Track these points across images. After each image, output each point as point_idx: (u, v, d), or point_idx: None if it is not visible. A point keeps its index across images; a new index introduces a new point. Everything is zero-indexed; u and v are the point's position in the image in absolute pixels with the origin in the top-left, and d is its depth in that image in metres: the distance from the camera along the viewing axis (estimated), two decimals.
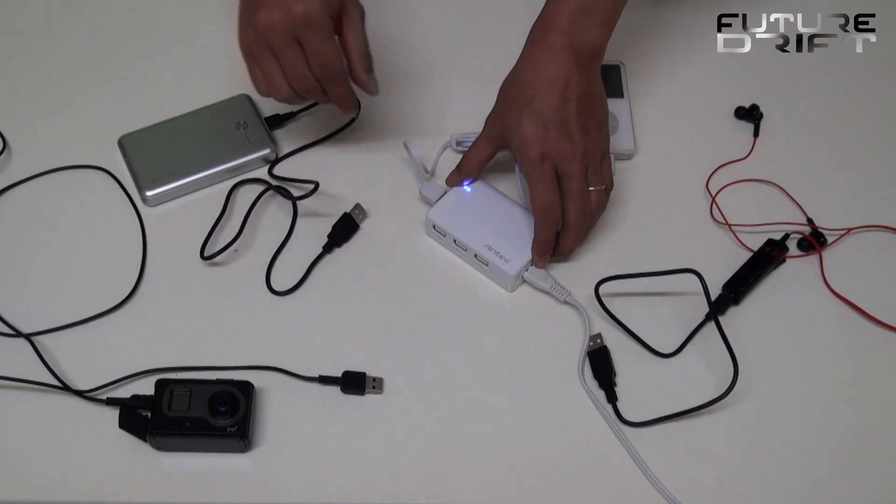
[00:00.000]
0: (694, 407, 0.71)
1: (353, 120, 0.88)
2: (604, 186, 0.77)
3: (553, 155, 0.74)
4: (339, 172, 0.85)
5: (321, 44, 0.72)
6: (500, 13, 0.96)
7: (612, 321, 0.76)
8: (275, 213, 0.83)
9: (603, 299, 0.77)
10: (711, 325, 0.75)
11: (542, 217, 0.75)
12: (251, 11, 0.72)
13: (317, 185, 0.80)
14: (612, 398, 0.73)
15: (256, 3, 0.71)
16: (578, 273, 0.78)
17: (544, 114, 0.74)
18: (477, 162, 0.80)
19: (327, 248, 0.80)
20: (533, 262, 0.78)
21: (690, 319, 0.77)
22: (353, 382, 0.73)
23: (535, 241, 0.77)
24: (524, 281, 0.79)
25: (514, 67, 0.78)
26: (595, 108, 0.77)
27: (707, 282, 0.75)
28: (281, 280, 0.78)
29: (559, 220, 0.76)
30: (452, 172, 0.81)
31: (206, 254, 0.79)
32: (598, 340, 0.75)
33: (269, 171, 0.84)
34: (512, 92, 0.77)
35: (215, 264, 0.79)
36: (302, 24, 0.70)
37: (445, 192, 0.81)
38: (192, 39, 0.93)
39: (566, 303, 0.77)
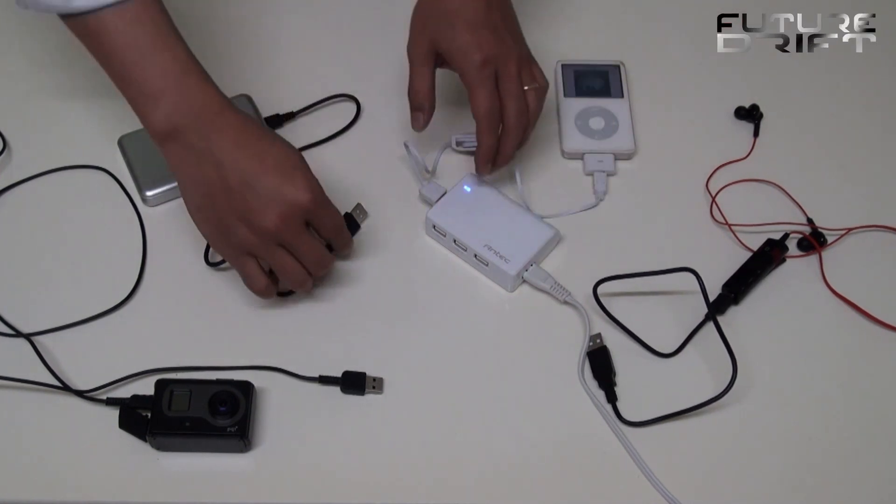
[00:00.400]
0: (693, 406, 0.71)
1: (353, 120, 0.88)
2: (537, 85, 0.77)
3: (493, 58, 0.74)
4: (339, 172, 0.85)
5: (329, 212, 0.71)
6: None
7: (612, 321, 0.77)
8: None
9: (603, 299, 0.77)
10: (711, 325, 0.75)
11: (486, 121, 0.75)
12: (249, 217, 0.68)
13: None
14: (611, 398, 0.73)
15: (250, 207, 0.67)
16: (578, 273, 0.78)
17: (476, 21, 0.74)
18: (425, 90, 0.78)
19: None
20: (478, 173, 0.79)
21: (690, 319, 0.77)
22: (353, 382, 0.73)
23: (479, 149, 0.77)
24: (524, 281, 0.79)
25: None
26: (513, 14, 0.78)
27: (707, 282, 0.75)
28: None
29: (500, 124, 0.76)
30: (413, 118, 0.79)
31: (210, 260, 0.79)
32: (598, 340, 0.75)
33: None
34: (432, 8, 0.76)
35: (215, 264, 0.79)
36: (312, 209, 0.68)
37: (445, 193, 0.81)
38: (192, 40, 0.93)
39: (566, 303, 0.77)
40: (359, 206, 0.79)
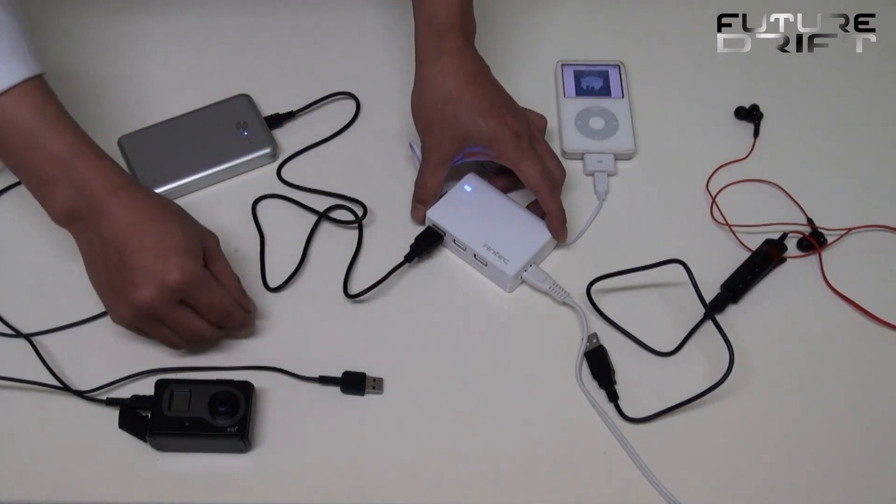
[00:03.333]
0: (692, 396, 0.71)
1: (353, 118, 0.88)
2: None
3: (520, 131, 0.77)
4: (340, 172, 0.85)
5: (208, 296, 0.70)
6: (497, 14, 0.96)
7: (607, 321, 0.77)
8: (276, 213, 0.83)
9: (600, 299, 0.77)
10: (710, 323, 0.75)
11: (546, 186, 0.77)
12: (124, 292, 0.69)
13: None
14: (612, 397, 0.73)
15: (126, 283, 0.68)
16: (577, 273, 0.78)
17: (491, 108, 0.77)
18: (435, 188, 0.80)
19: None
20: (557, 241, 0.79)
21: (688, 316, 0.77)
22: (353, 382, 0.73)
23: (549, 217, 0.78)
24: (523, 281, 0.79)
25: (425, 85, 0.79)
26: (502, 88, 0.81)
27: (707, 282, 0.75)
28: (281, 279, 0.78)
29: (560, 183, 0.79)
30: (415, 207, 0.81)
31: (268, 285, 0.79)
32: (595, 340, 0.75)
33: (278, 175, 0.85)
34: (445, 110, 0.78)
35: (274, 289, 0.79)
36: (183, 290, 0.68)
37: (446, 192, 0.81)
38: (192, 41, 0.93)
39: (564, 304, 0.77)
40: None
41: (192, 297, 0.69)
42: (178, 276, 0.68)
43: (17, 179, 0.82)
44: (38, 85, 0.69)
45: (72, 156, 0.69)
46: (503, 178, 0.83)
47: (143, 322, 0.70)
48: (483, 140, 0.77)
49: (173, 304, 0.69)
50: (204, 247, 0.72)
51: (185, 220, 0.71)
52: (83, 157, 0.69)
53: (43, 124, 0.68)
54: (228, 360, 0.74)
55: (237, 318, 0.73)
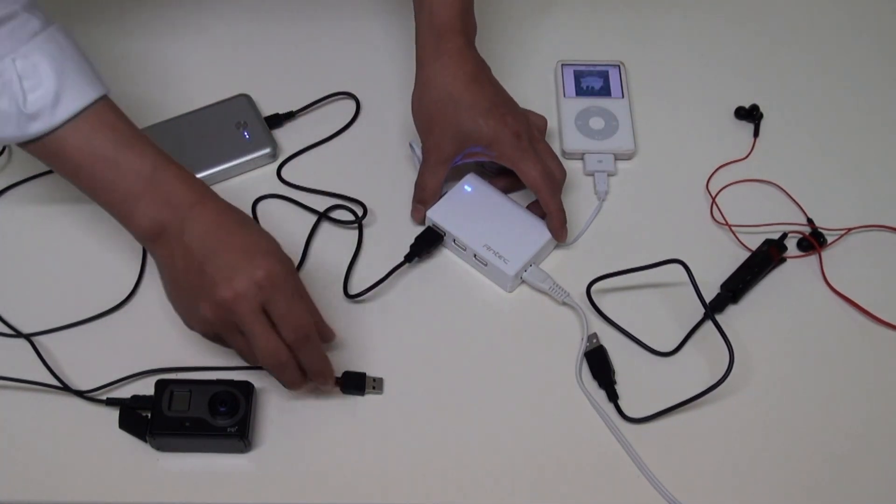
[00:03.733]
0: (693, 396, 0.71)
1: (353, 118, 0.88)
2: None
3: (520, 131, 0.77)
4: (340, 172, 0.85)
5: (290, 304, 0.66)
6: (497, 14, 0.96)
7: (607, 321, 0.77)
8: (276, 213, 0.83)
9: (600, 299, 0.77)
10: (710, 323, 0.75)
11: (546, 186, 0.77)
12: (205, 293, 0.66)
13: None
14: (612, 397, 0.73)
15: (208, 283, 0.65)
16: (577, 274, 0.78)
17: (492, 108, 0.77)
18: (435, 188, 0.80)
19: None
20: (557, 241, 0.79)
21: (688, 316, 0.77)
22: (353, 382, 0.73)
23: (549, 217, 0.78)
24: (523, 281, 0.79)
25: (426, 85, 0.79)
26: (503, 88, 0.81)
27: (707, 282, 0.75)
28: None
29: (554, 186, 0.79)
30: (415, 208, 0.81)
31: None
32: (595, 340, 0.75)
33: (278, 175, 0.85)
34: (444, 111, 0.78)
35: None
36: (268, 287, 0.65)
37: (446, 192, 0.81)
38: (192, 41, 0.93)
39: (564, 304, 0.77)
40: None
41: (276, 300, 0.65)
42: (263, 273, 0.65)
43: (18, 179, 0.83)
44: (108, 104, 0.69)
45: (155, 170, 0.68)
46: (503, 178, 0.83)
47: (222, 325, 0.67)
48: (483, 140, 0.77)
49: (254, 307, 0.65)
50: None
51: (267, 235, 0.70)
52: (166, 169, 0.68)
53: (123, 143, 0.68)
54: (229, 361, 0.74)
55: (313, 343, 0.67)
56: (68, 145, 0.67)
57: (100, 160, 0.67)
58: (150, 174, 0.68)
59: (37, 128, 0.66)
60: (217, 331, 0.70)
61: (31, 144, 0.68)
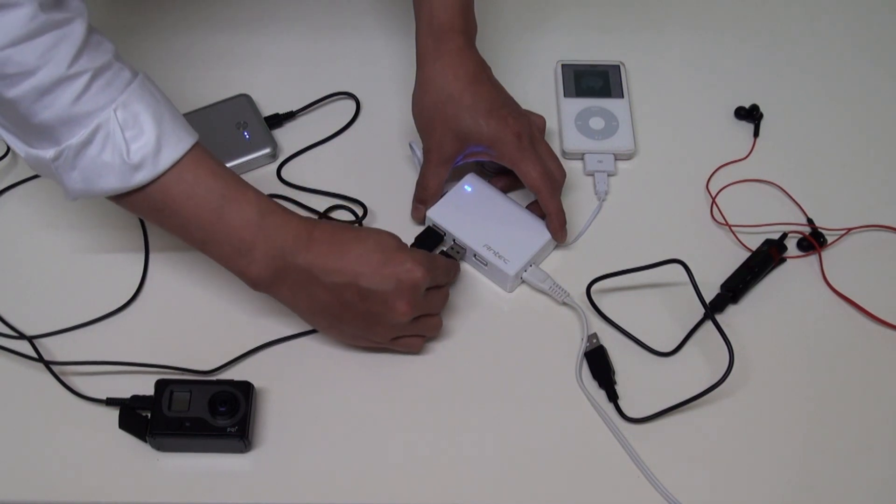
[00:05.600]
0: (693, 396, 0.71)
1: (353, 118, 0.88)
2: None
3: (521, 131, 0.77)
4: (340, 172, 0.85)
5: (442, 271, 0.73)
6: (497, 14, 0.96)
7: (607, 322, 0.77)
8: None
9: (600, 299, 0.77)
10: (710, 323, 0.75)
11: (545, 186, 0.77)
12: (384, 319, 0.69)
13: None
14: (612, 397, 0.73)
15: (381, 310, 0.68)
16: (577, 274, 0.78)
17: (492, 108, 0.77)
18: (436, 188, 0.80)
19: None
20: (557, 241, 0.80)
21: (688, 316, 0.77)
22: None
23: (549, 217, 0.78)
24: (523, 281, 0.79)
25: (426, 85, 0.79)
26: (504, 89, 0.81)
27: (707, 283, 0.75)
28: None
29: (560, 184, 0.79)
30: (415, 207, 0.82)
31: None
32: (595, 340, 0.75)
33: (278, 175, 0.85)
34: (445, 110, 0.78)
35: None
36: (427, 279, 0.69)
37: (446, 192, 0.81)
38: (192, 40, 0.94)
39: (564, 304, 0.77)
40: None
41: (435, 278, 0.71)
42: (422, 271, 0.68)
43: (18, 179, 0.83)
44: (203, 150, 0.67)
45: (261, 216, 0.67)
46: (502, 177, 0.83)
47: (406, 328, 0.71)
48: (484, 140, 0.77)
49: (424, 297, 0.70)
50: None
51: (368, 227, 0.72)
52: (272, 213, 0.68)
53: (227, 190, 0.67)
54: (228, 359, 0.74)
55: (451, 266, 0.76)
56: (173, 195, 0.66)
57: (206, 210, 0.66)
58: (258, 220, 0.67)
59: (141, 177, 0.64)
60: (396, 336, 0.72)
61: (134, 196, 0.66)
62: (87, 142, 0.63)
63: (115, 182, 0.65)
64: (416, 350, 0.74)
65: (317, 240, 0.68)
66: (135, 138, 0.64)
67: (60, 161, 0.64)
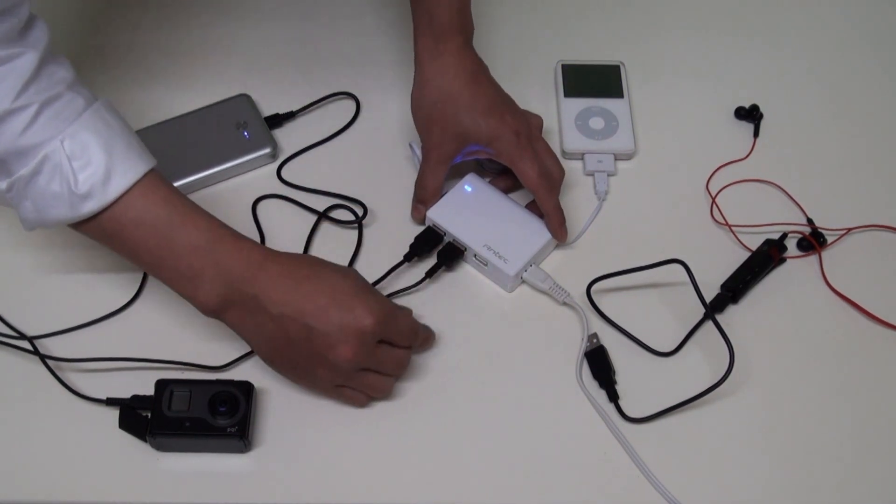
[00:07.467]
0: (693, 396, 0.71)
1: (353, 118, 0.88)
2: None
3: (519, 130, 0.77)
4: (340, 172, 0.85)
5: (398, 323, 0.69)
6: (497, 14, 0.96)
7: (607, 322, 0.77)
8: (276, 213, 0.83)
9: (600, 299, 0.77)
10: (710, 323, 0.75)
11: (543, 185, 0.77)
12: (324, 359, 0.67)
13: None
14: (613, 397, 0.73)
15: (322, 348, 0.66)
16: (577, 274, 0.78)
17: (491, 107, 0.78)
18: (435, 187, 0.80)
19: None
20: (558, 240, 0.79)
21: (688, 316, 0.77)
22: None
23: (548, 216, 0.78)
24: (523, 281, 0.79)
25: (425, 85, 0.79)
26: (502, 89, 0.81)
27: (707, 283, 0.75)
28: None
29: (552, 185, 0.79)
30: (415, 207, 0.81)
31: None
32: (595, 340, 0.75)
33: (278, 175, 0.85)
34: (444, 109, 0.78)
35: None
36: (379, 329, 0.67)
37: (446, 191, 0.81)
38: (192, 41, 0.93)
39: (564, 304, 0.77)
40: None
41: (388, 332, 0.68)
42: (371, 320, 0.66)
43: None
44: (157, 177, 0.67)
45: (211, 242, 0.67)
46: (504, 179, 0.83)
47: (349, 378, 0.69)
48: (483, 139, 0.77)
49: (374, 348, 0.68)
50: None
51: (333, 265, 0.70)
52: (222, 240, 0.67)
53: (176, 217, 0.66)
54: (229, 359, 0.74)
55: (425, 336, 0.73)
56: (122, 222, 0.66)
57: (154, 236, 0.66)
58: (207, 247, 0.67)
59: (89, 207, 0.64)
60: (344, 384, 0.70)
61: (85, 225, 0.66)
62: (36, 172, 0.64)
63: (64, 212, 0.65)
64: (358, 405, 0.71)
65: (269, 270, 0.67)
66: (82, 168, 0.64)
67: (13, 192, 0.65)
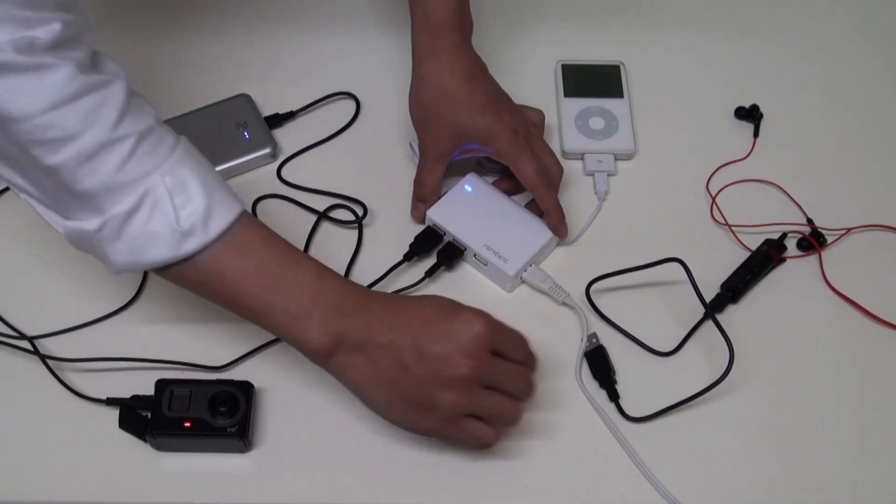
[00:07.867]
0: (692, 395, 0.71)
1: (353, 120, 0.88)
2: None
3: (517, 128, 0.77)
4: (340, 172, 0.85)
5: (510, 334, 0.66)
6: (498, 13, 0.96)
7: (607, 322, 0.77)
8: (276, 213, 0.83)
9: (601, 299, 0.77)
10: (710, 323, 0.75)
11: (541, 183, 0.77)
12: (443, 378, 0.62)
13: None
14: (613, 397, 0.73)
15: (440, 368, 0.62)
16: (577, 273, 0.78)
17: (488, 104, 0.77)
18: (434, 185, 0.80)
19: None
20: (559, 238, 0.79)
21: (688, 316, 0.77)
22: None
23: (548, 214, 0.78)
24: (523, 281, 0.79)
25: (422, 82, 0.79)
26: (499, 86, 0.81)
27: (707, 283, 0.75)
28: None
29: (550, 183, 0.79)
30: (414, 206, 0.81)
31: None
32: (595, 340, 0.75)
33: (278, 175, 0.85)
34: (440, 107, 0.78)
35: None
36: (493, 336, 0.63)
37: (446, 191, 0.81)
38: (192, 40, 0.94)
39: (564, 304, 0.77)
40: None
41: (500, 338, 0.64)
42: (481, 324, 0.63)
43: None
44: (252, 218, 0.65)
45: (318, 280, 0.64)
46: (506, 180, 0.83)
47: (471, 397, 0.64)
48: (480, 136, 0.77)
49: (491, 357, 0.64)
50: None
51: (425, 295, 0.69)
52: (329, 276, 0.65)
53: (281, 256, 0.64)
54: (229, 359, 0.74)
55: (533, 352, 0.68)
56: (224, 263, 0.62)
57: (261, 277, 0.63)
58: (318, 285, 0.64)
59: (191, 245, 0.61)
60: (466, 410, 0.65)
61: (182, 267, 0.62)
62: (134, 210, 0.59)
63: (165, 252, 0.61)
64: (487, 440, 0.66)
65: (374, 301, 0.65)
66: (183, 205, 0.60)
67: (105, 232, 0.60)
